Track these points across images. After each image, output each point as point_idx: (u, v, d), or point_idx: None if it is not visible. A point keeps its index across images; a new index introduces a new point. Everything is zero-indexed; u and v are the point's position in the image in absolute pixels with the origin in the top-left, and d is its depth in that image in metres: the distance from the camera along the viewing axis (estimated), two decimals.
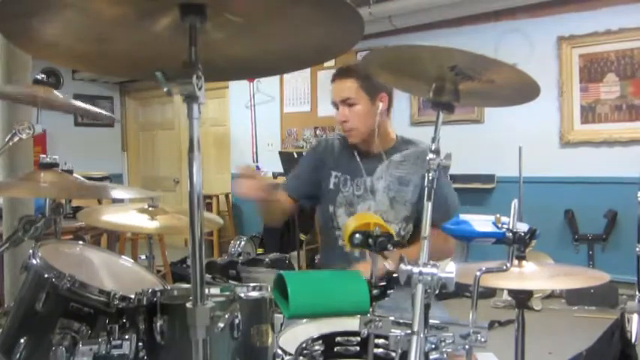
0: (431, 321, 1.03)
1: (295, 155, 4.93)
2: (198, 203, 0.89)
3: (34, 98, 1.75)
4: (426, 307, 0.99)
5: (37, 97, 1.73)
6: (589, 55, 4.45)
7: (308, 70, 5.85)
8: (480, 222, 1.13)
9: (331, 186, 1.96)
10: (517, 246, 1.12)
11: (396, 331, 1.02)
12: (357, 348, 1.26)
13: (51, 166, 1.62)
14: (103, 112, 2.23)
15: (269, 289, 1.17)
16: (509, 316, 3.53)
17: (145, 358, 1.14)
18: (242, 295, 1.16)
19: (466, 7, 4.65)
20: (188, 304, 0.89)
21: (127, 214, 1.72)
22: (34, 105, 1.77)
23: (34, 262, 1.31)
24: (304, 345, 1.24)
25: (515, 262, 1.34)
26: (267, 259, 4.47)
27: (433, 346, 1.06)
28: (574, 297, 4.09)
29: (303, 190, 2.01)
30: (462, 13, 4.75)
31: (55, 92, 1.81)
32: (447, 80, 1.08)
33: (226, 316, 1.02)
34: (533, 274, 1.38)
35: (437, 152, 1.05)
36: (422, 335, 0.98)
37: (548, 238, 4.46)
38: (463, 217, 1.15)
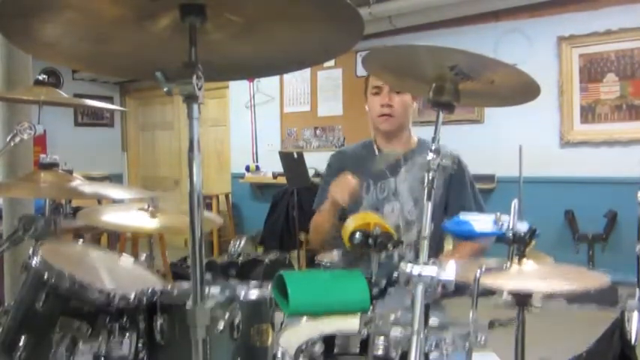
0: (431, 320, 1.04)
1: (295, 155, 4.90)
2: (198, 203, 0.89)
3: (37, 99, 1.75)
4: (426, 307, 1.00)
5: (40, 98, 1.73)
6: (589, 55, 4.44)
7: (308, 70, 5.84)
8: (480, 222, 1.13)
9: None
10: (517, 245, 1.12)
11: (396, 331, 1.03)
12: (357, 348, 1.26)
13: (51, 166, 1.62)
14: (109, 106, 2.23)
15: (269, 288, 1.17)
16: (509, 316, 3.52)
17: (145, 357, 1.14)
18: (242, 295, 1.16)
19: (466, 7, 4.65)
20: (188, 304, 0.89)
21: (127, 214, 1.72)
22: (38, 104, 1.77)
23: (34, 262, 1.30)
24: (304, 345, 1.24)
25: (515, 261, 1.33)
26: (267, 259, 4.47)
27: (433, 346, 1.06)
28: (574, 297, 4.09)
29: None
30: (462, 13, 4.74)
31: (59, 91, 1.81)
32: (447, 80, 1.08)
33: (226, 316, 1.02)
34: (533, 274, 1.37)
35: (437, 152, 1.06)
36: (422, 335, 0.98)
37: (548, 238, 4.45)
38: (463, 216, 1.15)
